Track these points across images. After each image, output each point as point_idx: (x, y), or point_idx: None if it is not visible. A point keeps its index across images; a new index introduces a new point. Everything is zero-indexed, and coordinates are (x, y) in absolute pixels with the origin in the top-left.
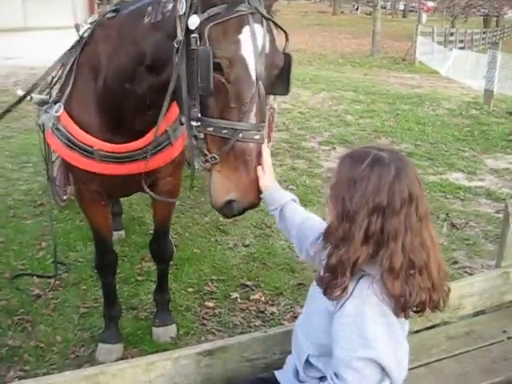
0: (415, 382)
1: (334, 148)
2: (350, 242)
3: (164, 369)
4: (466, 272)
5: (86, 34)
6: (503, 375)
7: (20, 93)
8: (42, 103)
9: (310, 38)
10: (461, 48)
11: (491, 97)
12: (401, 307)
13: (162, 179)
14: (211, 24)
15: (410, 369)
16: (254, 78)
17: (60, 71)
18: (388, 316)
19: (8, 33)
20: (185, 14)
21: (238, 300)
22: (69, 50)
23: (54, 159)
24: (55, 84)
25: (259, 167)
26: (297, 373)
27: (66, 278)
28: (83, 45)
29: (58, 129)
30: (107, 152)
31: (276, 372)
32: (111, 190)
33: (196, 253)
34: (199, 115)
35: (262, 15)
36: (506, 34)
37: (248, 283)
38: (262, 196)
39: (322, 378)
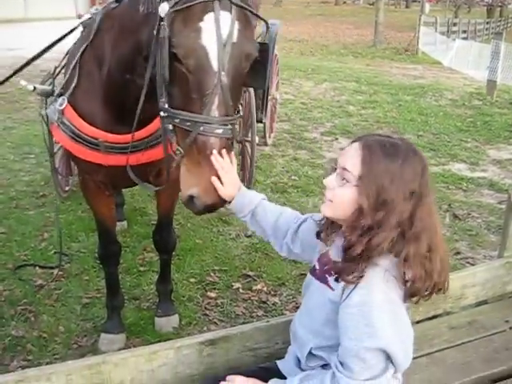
0: (417, 371)
1: (336, 139)
2: (382, 230)
3: (166, 358)
4: (468, 263)
5: (87, 22)
6: (505, 365)
7: (23, 83)
8: (45, 94)
9: (312, 28)
10: (464, 38)
11: (494, 87)
12: (414, 292)
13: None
14: (172, 11)
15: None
16: (215, 68)
17: (64, 61)
18: (395, 304)
19: (9, 24)
20: (160, 1)
21: (240, 290)
22: (74, 44)
23: (55, 150)
24: (57, 74)
25: (214, 178)
26: (298, 362)
27: (68, 269)
28: (87, 35)
29: (62, 122)
30: (112, 143)
31: (278, 361)
32: (116, 181)
33: (198, 243)
34: (166, 106)
35: (231, 1)
36: (509, 24)
37: (250, 273)
38: (228, 207)
39: (325, 366)
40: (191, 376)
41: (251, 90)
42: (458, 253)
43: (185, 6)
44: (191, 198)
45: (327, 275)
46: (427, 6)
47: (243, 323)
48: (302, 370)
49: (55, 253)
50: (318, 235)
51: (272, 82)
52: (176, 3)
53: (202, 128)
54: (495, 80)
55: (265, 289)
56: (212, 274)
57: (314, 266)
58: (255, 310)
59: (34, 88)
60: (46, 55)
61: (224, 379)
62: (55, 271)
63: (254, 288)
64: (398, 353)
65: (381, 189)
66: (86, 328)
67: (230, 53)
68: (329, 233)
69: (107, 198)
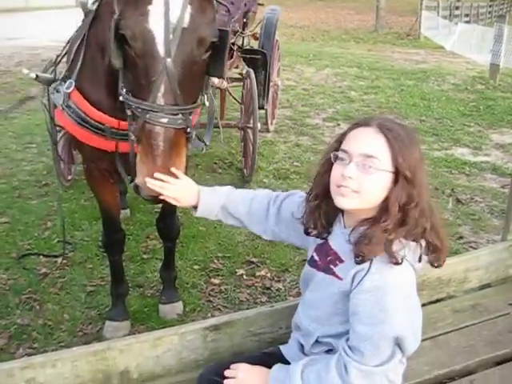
0: (421, 354)
1: (339, 124)
2: (416, 205)
3: (171, 344)
4: (471, 247)
5: (94, 8)
6: (509, 347)
7: (25, 71)
8: (47, 82)
9: (312, 14)
10: (466, 22)
11: (497, 71)
12: (432, 262)
13: None
14: None
15: None
16: (161, 53)
17: (67, 48)
18: (408, 288)
19: (9, 13)
20: None
21: (244, 277)
22: (76, 31)
23: (57, 139)
24: (59, 63)
25: (160, 175)
26: (302, 347)
27: (72, 257)
28: (91, 20)
29: (68, 106)
30: (118, 129)
31: (281, 347)
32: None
33: (201, 230)
34: (124, 91)
35: None
36: None
37: (254, 260)
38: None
39: (329, 351)
40: (196, 361)
41: (253, 76)
42: (461, 237)
43: None
44: (136, 186)
45: (332, 266)
46: None
47: (247, 309)
48: (306, 355)
49: (59, 241)
50: (306, 233)
51: (273, 68)
52: None
53: (148, 116)
54: (498, 64)
55: (268, 275)
56: (216, 261)
57: (313, 257)
58: (259, 296)
59: (37, 76)
60: (48, 44)
61: (228, 367)
62: (59, 260)
63: (258, 274)
64: (409, 338)
65: (413, 168)
66: (91, 316)
67: (179, 38)
68: (323, 225)
69: (112, 185)
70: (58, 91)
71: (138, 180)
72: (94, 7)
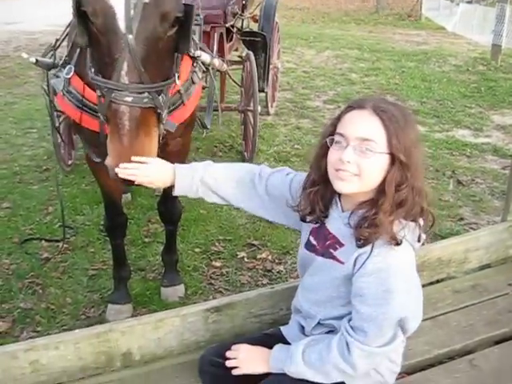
0: (421, 334)
1: (339, 107)
2: (412, 186)
3: (172, 325)
4: (471, 228)
5: None
6: (508, 327)
7: (25, 56)
8: (46, 66)
9: None
10: (468, 2)
11: (499, 52)
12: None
13: (173, 139)
14: None
15: None
16: (122, 30)
17: (66, 33)
18: (409, 268)
19: None
20: None
21: (245, 259)
22: None
23: (57, 124)
24: (58, 47)
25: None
26: (302, 328)
27: (73, 242)
28: None
29: (69, 91)
30: None
31: (282, 328)
32: None
33: (202, 213)
34: (91, 71)
35: None
36: None
37: (255, 242)
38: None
39: (329, 332)
40: (197, 343)
41: (252, 59)
42: (462, 219)
43: None
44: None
45: (331, 250)
46: None
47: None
48: (306, 336)
49: (60, 226)
50: (303, 220)
51: (273, 50)
52: None
53: (113, 95)
54: (500, 44)
55: (269, 257)
56: (217, 244)
57: (310, 241)
58: (260, 279)
59: (37, 60)
60: (45, 28)
61: (230, 348)
62: (61, 244)
63: (259, 257)
64: (411, 318)
65: (408, 149)
66: (93, 299)
67: (141, 14)
68: (321, 210)
69: None
70: (57, 77)
71: (107, 161)
72: None
